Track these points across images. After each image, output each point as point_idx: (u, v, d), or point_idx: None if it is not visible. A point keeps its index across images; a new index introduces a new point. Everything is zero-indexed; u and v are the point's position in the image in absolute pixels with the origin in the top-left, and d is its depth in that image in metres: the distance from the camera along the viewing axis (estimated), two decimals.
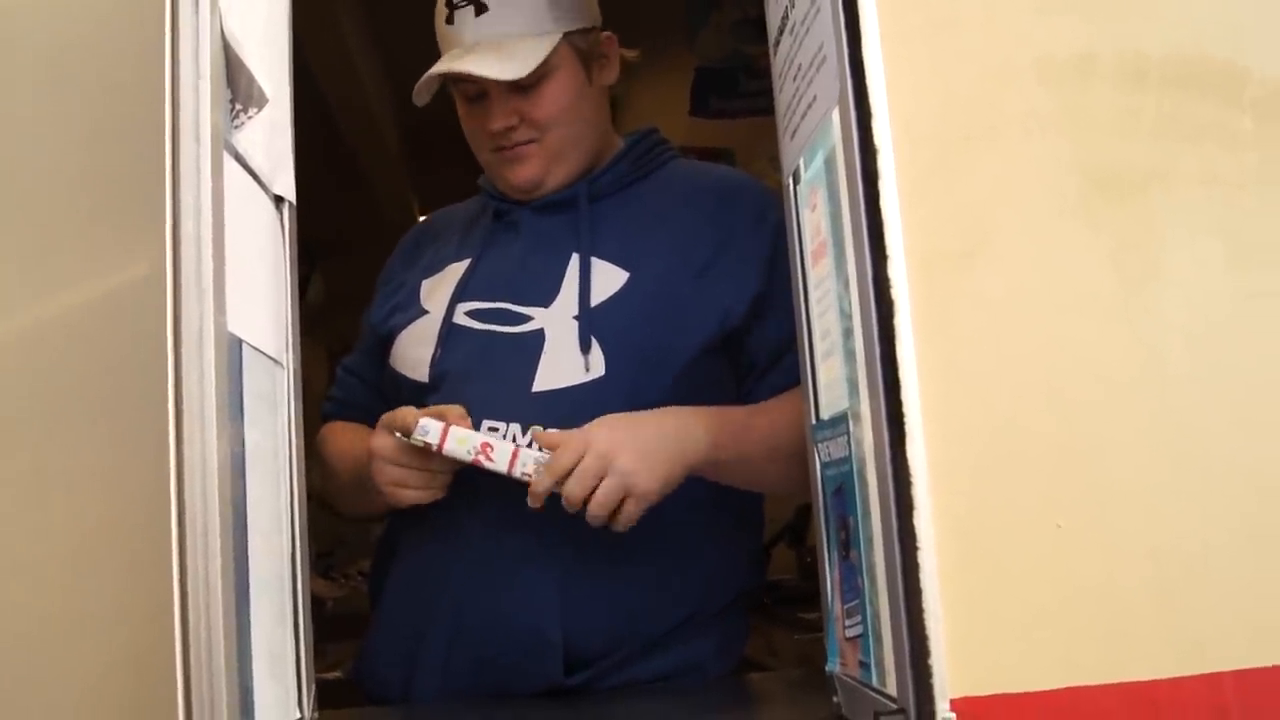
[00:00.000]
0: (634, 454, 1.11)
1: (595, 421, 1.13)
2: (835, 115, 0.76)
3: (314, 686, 0.90)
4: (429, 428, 1.12)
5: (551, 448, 1.11)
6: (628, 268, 1.25)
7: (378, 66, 3.60)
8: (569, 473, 1.10)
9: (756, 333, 1.25)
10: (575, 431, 1.12)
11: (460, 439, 1.12)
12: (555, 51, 1.25)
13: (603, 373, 1.20)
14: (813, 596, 2.19)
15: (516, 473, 1.12)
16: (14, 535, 0.74)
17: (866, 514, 0.75)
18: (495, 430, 1.18)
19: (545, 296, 1.25)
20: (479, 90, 1.28)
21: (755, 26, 2.79)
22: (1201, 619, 0.74)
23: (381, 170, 4.23)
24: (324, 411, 1.43)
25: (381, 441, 1.17)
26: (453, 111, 1.35)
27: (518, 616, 1.18)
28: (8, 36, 0.78)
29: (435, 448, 1.12)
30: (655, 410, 1.17)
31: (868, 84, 0.73)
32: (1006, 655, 0.71)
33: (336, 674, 2.15)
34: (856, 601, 0.78)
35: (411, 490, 1.18)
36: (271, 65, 0.89)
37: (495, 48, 1.25)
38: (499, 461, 1.12)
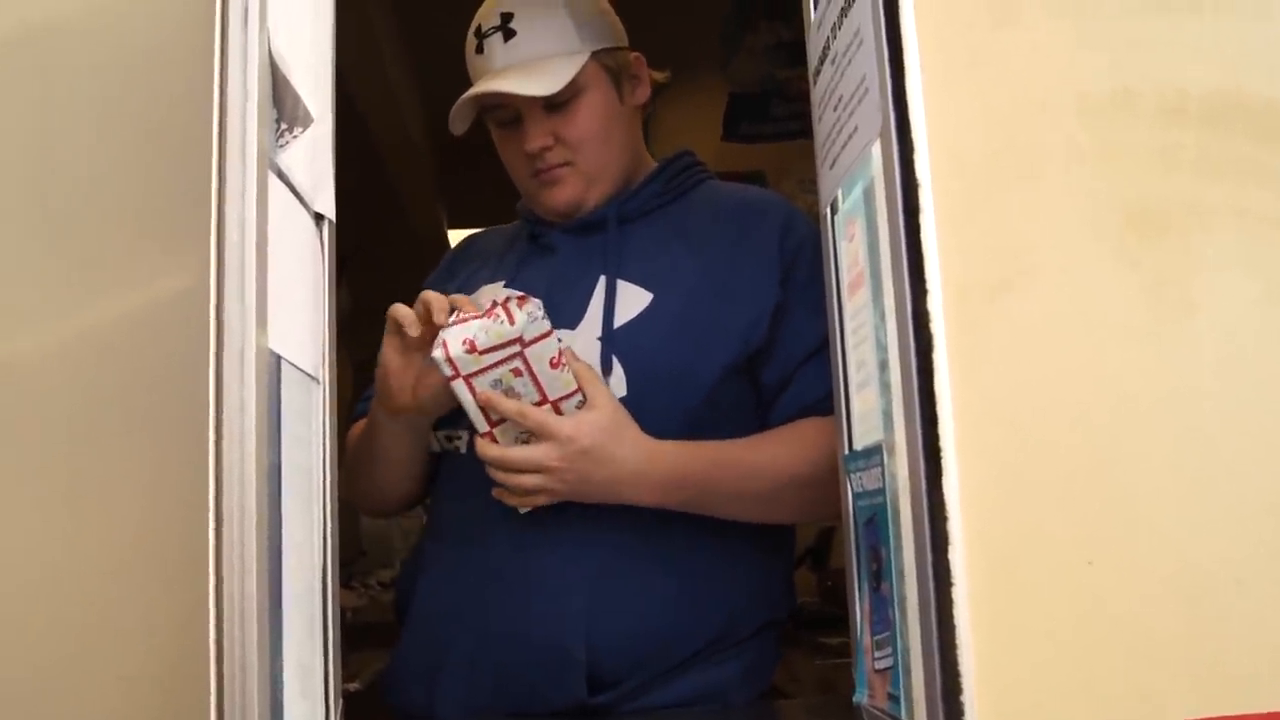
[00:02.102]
0: (576, 479, 1.14)
1: (583, 424, 1.15)
2: (876, 148, 0.76)
3: (341, 701, 0.91)
4: (441, 364, 1.14)
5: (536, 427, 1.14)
6: (652, 289, 1.26)
7: (410, 80, 3.63)
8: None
9: (777, 348, 1.25)
10: (564, 421, 1.14)
11: (462, 396, 1.14)
12: (584, 70, 1.28)
13: (624, 393, 1.21)
14: (834, 620, 2.19)
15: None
16: (50, 545, 0.74)
17: (899, 547, 0.75)
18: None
19: (572, 318, 1.26)
20: (513, 115, 1.30)
21: (787, 51, 2.81)
22: (1235, 658, 0.73)
23: (411, 183, 4.26)
24: (358, 411, 1.43)
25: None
26: (483, 126, 1.36)
27: (542, 633, 1.18)
28: (61, 53, 0.79)
29: (444, 378, 1.14)
30: (633, 441, 1.17)
31: (910, 117, 0.73)
32: (1037, 692, 0.71)
33: (355, 685, 2.15)
34: (887, 634, 0.78)
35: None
36: (315, 84, 0.90)
37: (525, 69, 1.27)
38: (478, 427, 1.16)
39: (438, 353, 1.13)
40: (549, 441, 1.13)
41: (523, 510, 1.18)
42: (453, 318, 1.15)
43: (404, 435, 1.29)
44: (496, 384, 1.14)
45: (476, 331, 1.12)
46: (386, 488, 1.36)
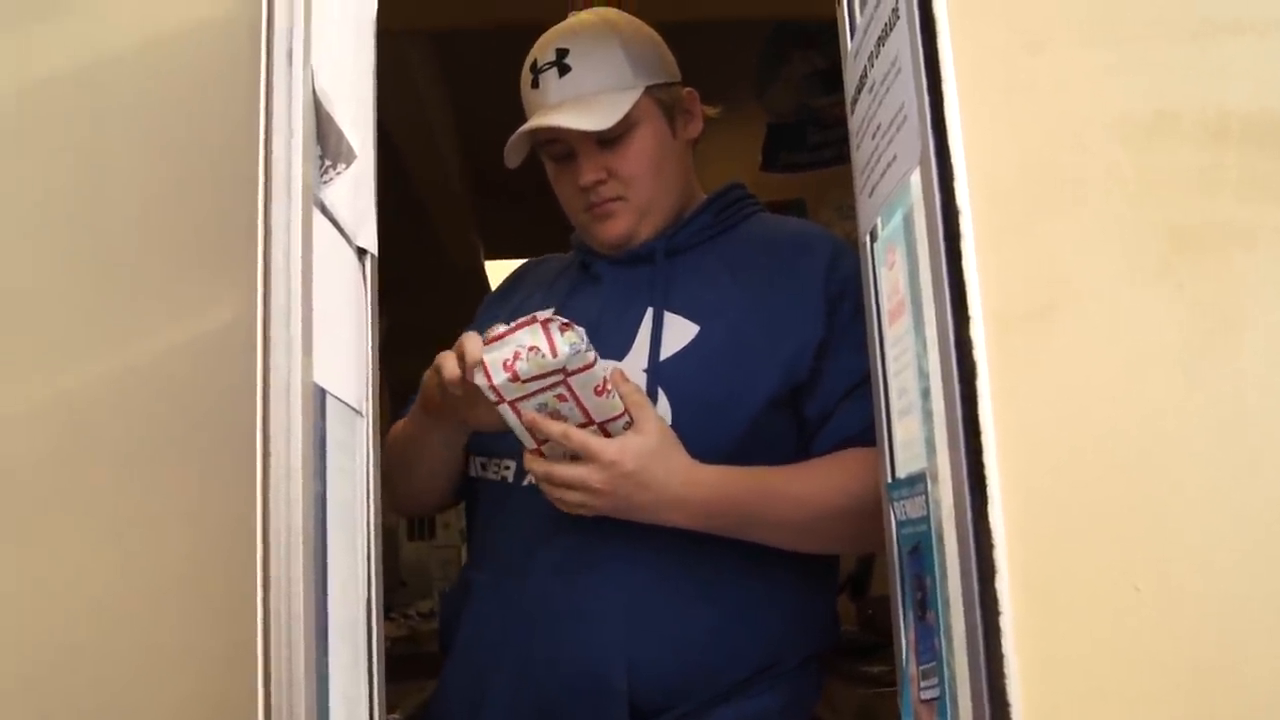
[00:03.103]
0: (619, 500, 1.15)
1: (628, 448, 1.14)
2: (916, 175, 0.76)
3: None
4: (486, 390, 1.13)
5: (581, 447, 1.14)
6: (699, 321, 1.27)
7: (447, 113, 3.67)
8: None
9: (820, 382, 1.25)
10: (608, 445, 1.14)
11: (508, 418, 1.15)
12: (638, 105, 1.29)
13: (669, 424, 1.21)
14: (873, 648, 2.16)
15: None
16: (99, 574, 0.75)
17: (944, 575, 0.74)
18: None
19: (619, 349, 1.26)
20: (567, 149, 1.32)
21: (822, 79, 2.82)
22: None
23: (448, 214, 4.29)
24: (403, 412, 1.45)
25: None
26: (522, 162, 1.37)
27: (583, 662, 1.18)
28: (110, 90, 0.81)
29: (490, 402, 1.14)
30: (677, 465, 1.17)
31: (949, 144, 0.73)
32: None
33: (396, 715, 2.15)
34: (933, 663, 0.77)
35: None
36: (357, 120, 0.91)
37: (579, 104, 1.28)
38: (526, 444, 1.17)
39: (480, 380, 1.13)
40: (593, 463, 1.14)
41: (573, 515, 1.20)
42: (487, 334, 1.15)
43: (443, 438, 1.31)
44: (542, 407, 1.15)
45: (519, 358, 1.12)
46: (422, 484, 1.38)
